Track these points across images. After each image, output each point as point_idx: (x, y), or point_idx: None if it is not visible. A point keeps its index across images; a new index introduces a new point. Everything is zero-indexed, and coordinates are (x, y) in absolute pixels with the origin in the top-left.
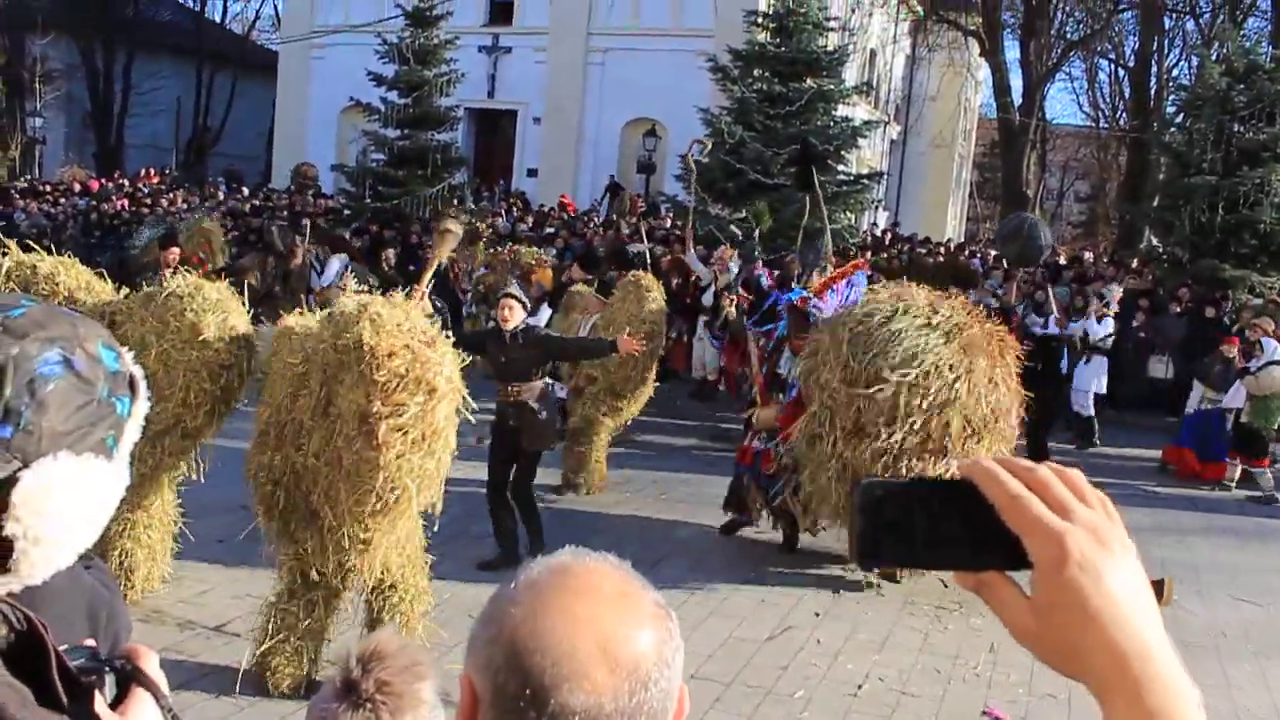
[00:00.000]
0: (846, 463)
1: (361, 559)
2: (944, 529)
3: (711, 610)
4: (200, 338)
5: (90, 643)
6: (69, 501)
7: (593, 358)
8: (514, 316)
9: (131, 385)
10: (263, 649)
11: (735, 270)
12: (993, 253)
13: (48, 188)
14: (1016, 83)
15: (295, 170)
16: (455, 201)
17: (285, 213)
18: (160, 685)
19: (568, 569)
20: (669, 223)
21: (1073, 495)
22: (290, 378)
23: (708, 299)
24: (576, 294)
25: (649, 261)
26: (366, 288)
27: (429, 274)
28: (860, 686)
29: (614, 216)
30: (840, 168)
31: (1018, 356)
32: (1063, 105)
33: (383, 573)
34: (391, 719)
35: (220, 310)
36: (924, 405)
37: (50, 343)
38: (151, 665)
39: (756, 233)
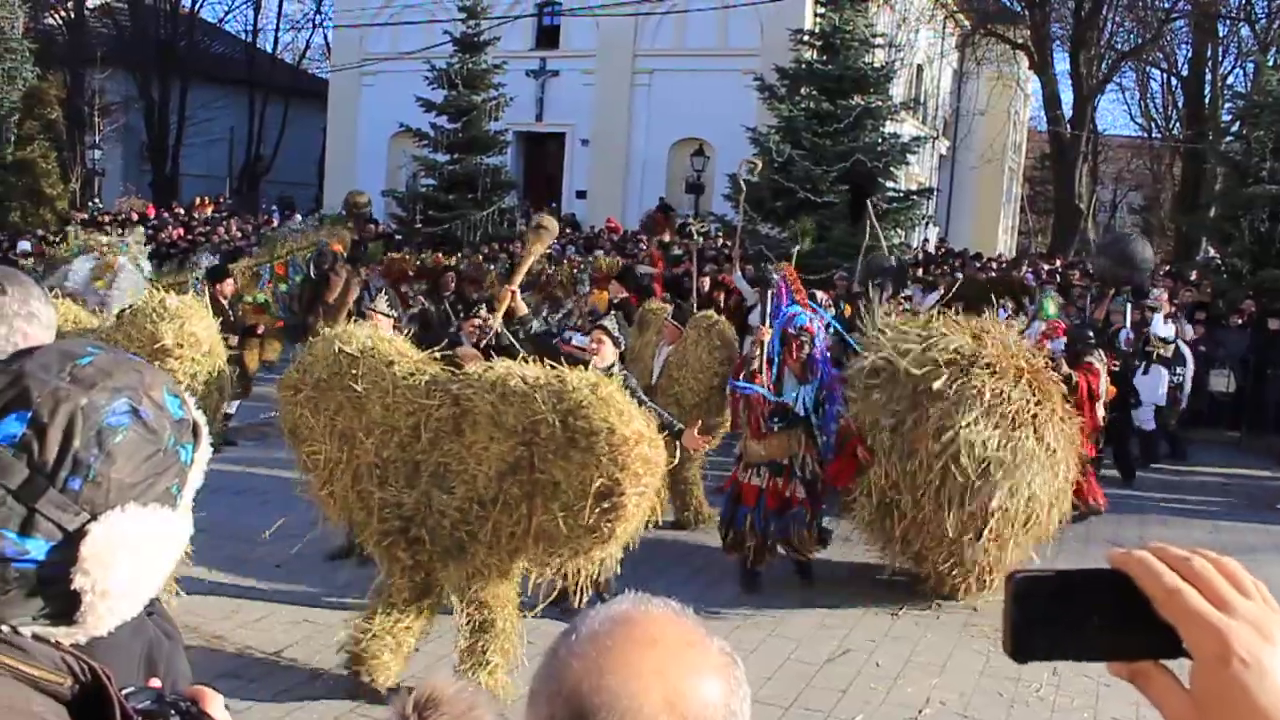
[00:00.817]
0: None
1: (492, 589)
2: (1097, 620)
3: (769, 632)
4: (157, 345)
5: (156, 683)
6: (136, 554)
7: (662, 431)
8: (605, 354)
9: (195, 432)
10: (366, 639)
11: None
12: (1045, 266)
13: (106, 218)
14: (1067, 95)
15: (346, 199)
16: (505, 225)
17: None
18: None
19: (630, 619)
20: (719, 242)
21: (1231, 586)
22: (427, 420)
23: (754, 319)
24: (652, 313)
25: (695, 285)
26: (396, 314)
27: (522, 271)
28: (921, 711)
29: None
30: (890, 184)
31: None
32: (1114, 116)
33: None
34: None
35: (177, 318)
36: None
37: (118, 392)
38: (217, 709)
39: (797, 249)
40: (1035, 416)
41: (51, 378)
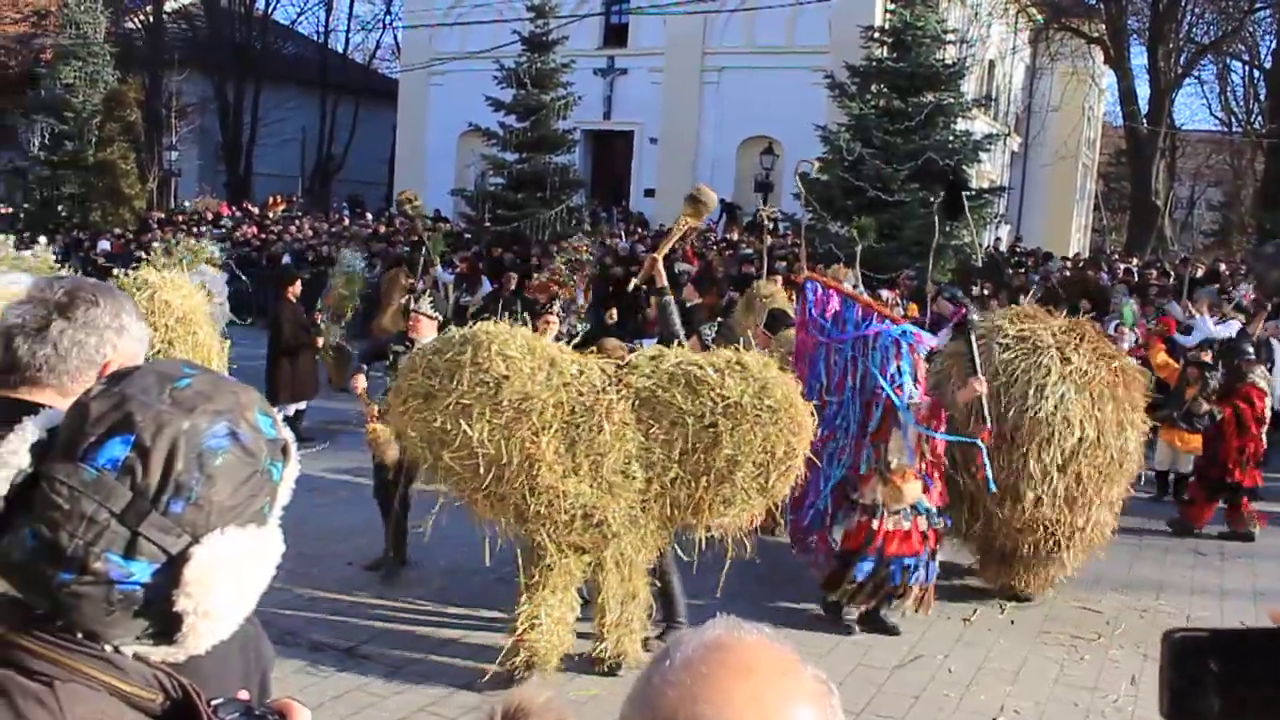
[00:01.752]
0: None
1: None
2: (1257, 677)
3: (840, 637)
4: None
5: (244, 695)
6: (236, 575)
7: None
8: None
9: (284, 450)
10: (537, 638)
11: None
12: (1121, 266)
13: (181, 218)
14: (1143, 89)
15: (396, 198)
16: (573, 223)
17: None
18: None
19: (725, 645)
20: (788, 240)
21: None
22: (608, 413)
23: None
24: (763, 298)
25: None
26: (439, 316)
27: (670, 242)
28: (995, 719)
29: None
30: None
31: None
32: (1192, 110)
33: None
34: None
35: (148, 287)
36: (1058, 460)
37: (218, 415)
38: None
39: (858, 249)
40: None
41: (153, 401)
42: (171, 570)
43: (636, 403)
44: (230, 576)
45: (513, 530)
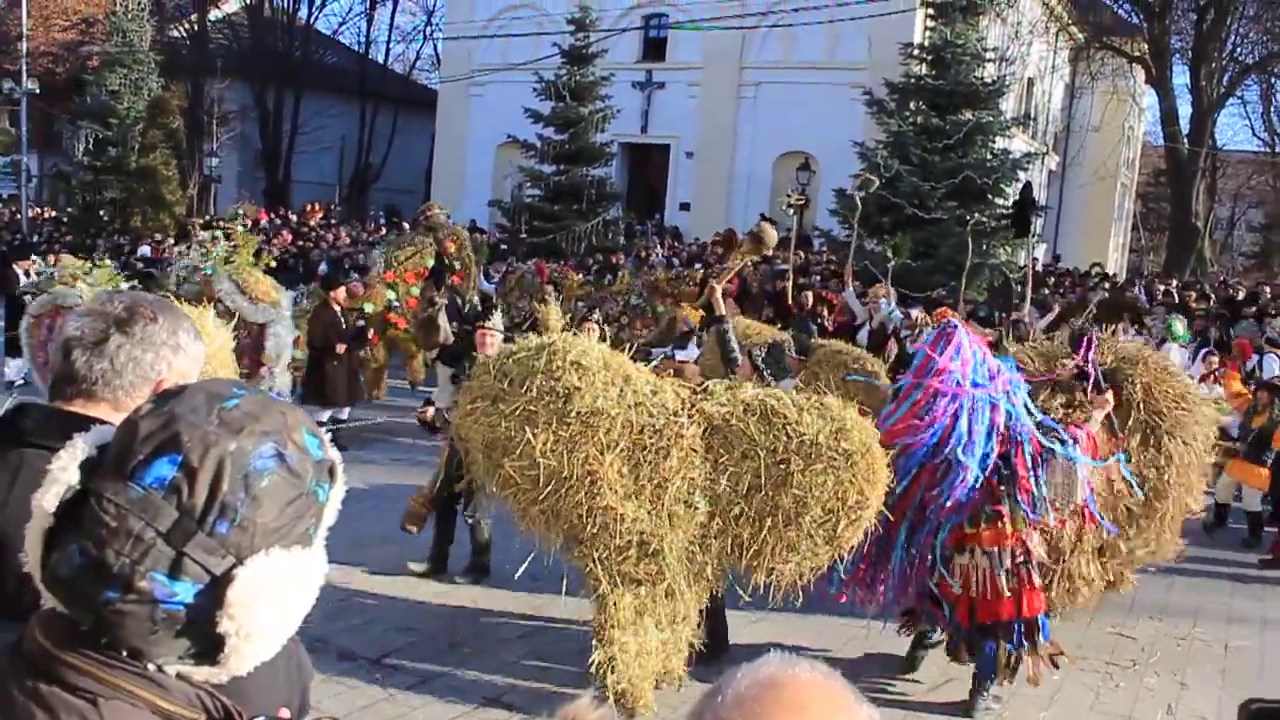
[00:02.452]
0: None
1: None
2: None
3: (867, 654)
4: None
5: (285, 714)
6: (279, 597)
7: None
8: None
9: (331, 472)
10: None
11: (888, 309)
12: (1160, 286)
13: (220, 224)
14: (1184, 109)
15: (419, 213)
16: (609, 236)
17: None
18: None
19: (779, 683)
20: (824, 257)
21: None
22: (677, 439)
23: (861, 338)
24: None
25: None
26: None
27: (731, 274)
28: None
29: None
30: (999, 201)
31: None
32: (1234, 130)
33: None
34: None
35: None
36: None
37: (265, 436)
38: None
39: (891, 266)
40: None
41: (201, 421)
42: (215, 591)
43: (708, 430)
44: (274, 598)
45: (563, 553)
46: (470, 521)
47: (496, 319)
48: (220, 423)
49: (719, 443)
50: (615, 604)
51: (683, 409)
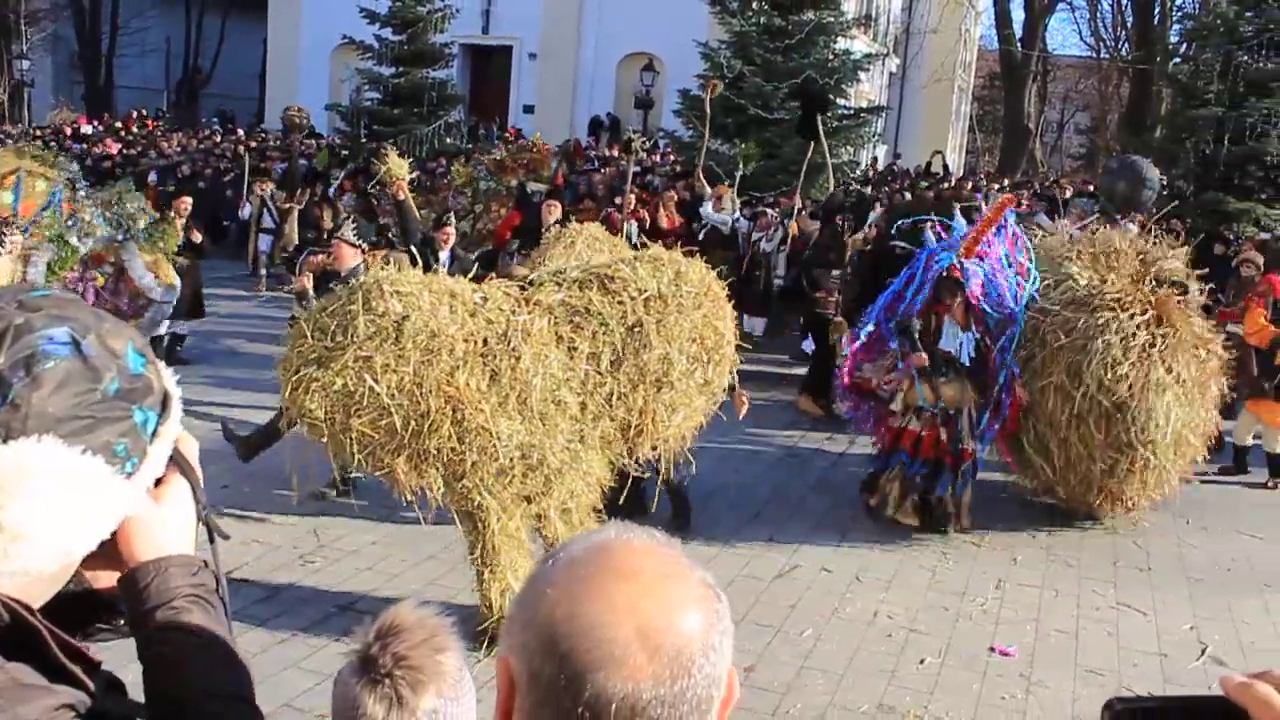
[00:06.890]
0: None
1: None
2: None
3: (720, 549)
4: None
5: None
6: (50, 494)
7: None
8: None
9: (164, 403)
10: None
11: (731, 213)
12: (994, 185)
13: (37, 132)
14: (1018, 13)
15: (283, 115)
16: (451, 139)
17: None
18: (196, 472)
19: (609, 549)
20: (670, 158)
21: None
22: (525, 338)
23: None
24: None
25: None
26: (363, 244)
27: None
28: (868, 624)
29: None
30: (840, 102)
31: None
32: (1064, 36)
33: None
34: (412, 693)
35: None
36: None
37: (61, 320)
38: (190, 450)
39: (739, 174)
40: (1161, 348)
41: (1, 302)
42: None
43: (552, 320)
44: (39, 491)
45: (446, 496)
46: None
47: (349, 229)
48: (19, 305)
49: (568, 329)
50: (503, 529)
51: (519, 307)
